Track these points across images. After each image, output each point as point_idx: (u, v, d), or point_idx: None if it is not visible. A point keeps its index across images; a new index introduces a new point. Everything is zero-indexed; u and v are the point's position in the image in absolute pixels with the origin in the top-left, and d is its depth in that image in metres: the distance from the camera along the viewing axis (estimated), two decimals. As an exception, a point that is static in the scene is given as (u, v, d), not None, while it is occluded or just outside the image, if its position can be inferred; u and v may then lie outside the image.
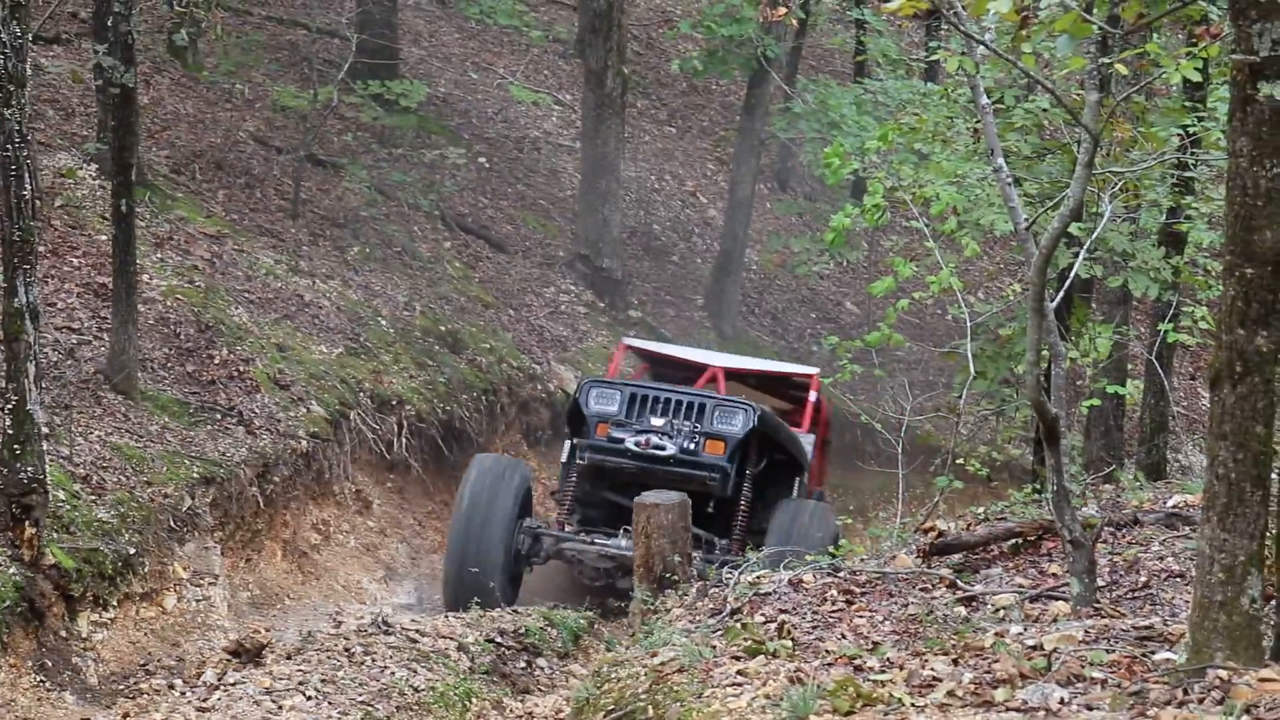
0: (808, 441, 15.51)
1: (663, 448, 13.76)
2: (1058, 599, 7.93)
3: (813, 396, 16.06)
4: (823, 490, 16.82)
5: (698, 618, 8.48)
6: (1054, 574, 8.37)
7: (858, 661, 6.77)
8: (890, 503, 14.27)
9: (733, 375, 16.63)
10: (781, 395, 17.26)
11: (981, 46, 6.86)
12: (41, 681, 10.84)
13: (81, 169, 16.89)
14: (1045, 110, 12.34)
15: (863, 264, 23.84)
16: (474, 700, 10.70)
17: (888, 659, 6.76)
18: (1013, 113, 12.72)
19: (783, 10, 17.46)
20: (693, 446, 13.87)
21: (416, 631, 11.71)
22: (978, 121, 10.44)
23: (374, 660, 11.33)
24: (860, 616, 7.99)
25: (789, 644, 7.24)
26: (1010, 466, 18.71)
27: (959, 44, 9.71)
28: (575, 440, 14.68)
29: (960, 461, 13.20)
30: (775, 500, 14.54)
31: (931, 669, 6.47)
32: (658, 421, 13.99)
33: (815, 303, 24.64)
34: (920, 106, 15.28)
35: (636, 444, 13.77)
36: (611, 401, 14.26)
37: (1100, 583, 7.92)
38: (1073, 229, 9.87)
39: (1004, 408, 15.81)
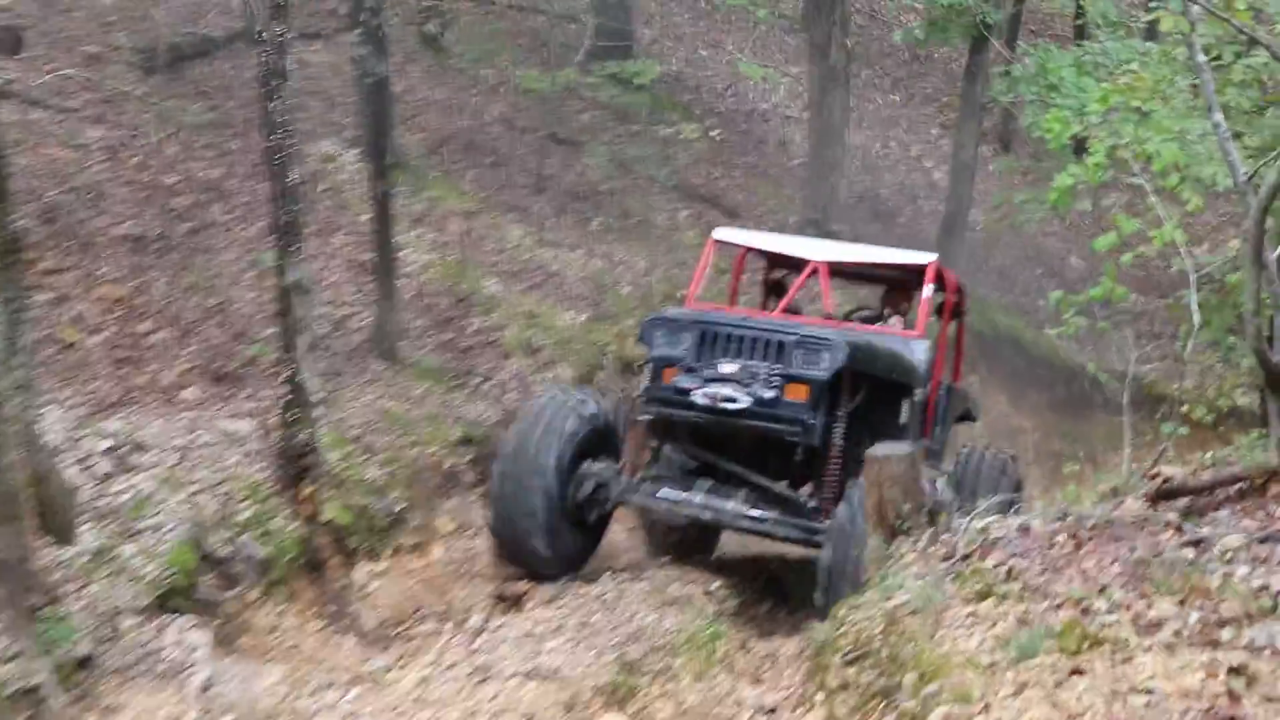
0: (919, 349, 12.68)
1: (734, 400, 11.55)
2: (1284, 540, 7.77)
3: (927, 291, 12.88)
4: (952, 386, 13.89)
5: (930, 563, 8.45)
6: (1283, 517, 8.20)
7: (1085, 604, 6.70)
8: (1119, 450, 14.01)
9: (837, 270, 13.86)
10: (900, 286, 14.18)
11: (1196, 6, 6.73)
12: (325, 626, 11.15)
13: (343, 154, 17.26)
14: (1265, 65, 12.05)
15: (1087, 220, 23.47)
16: (720, 642, 10.77)
17: (1115, 601, 6.68)
18: (1232, 69, 12.42)
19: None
20: (771, 394, 11.55)
21: (665, 578, 11.84)
22: (1196, 79, 10.23)
23: (626, 605, 11.49)
24: (1088, 560, 7.89)
25: (1018, 587, 7.20)
26: (1238, 413, 18.29)
27: (1177, 3, 9.54)
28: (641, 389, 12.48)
29: (1185, 409, 12.92)
30: (883, 430, 12.24)
31: (1158, 610, 6.38)
32: (729, 368, 11.65)
33: (1041, 259, 24.30)
34: (1140, 66, 14.95)
35: (705, 396, 11.60)
36: (679, 342, 11.89)
37: (1328, 524, 7.75)
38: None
39: (1229, 356, 15.42)
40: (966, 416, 14.21)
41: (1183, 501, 8.68)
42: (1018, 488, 12.51)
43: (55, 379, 11.38)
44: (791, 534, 11.58)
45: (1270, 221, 8.20)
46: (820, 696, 7.67)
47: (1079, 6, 23.49)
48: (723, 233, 13.95)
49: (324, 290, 14.46)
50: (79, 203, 13.94)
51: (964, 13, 20.97)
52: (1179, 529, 8.16)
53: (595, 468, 12.06)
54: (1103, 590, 7.00)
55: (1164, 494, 8.80)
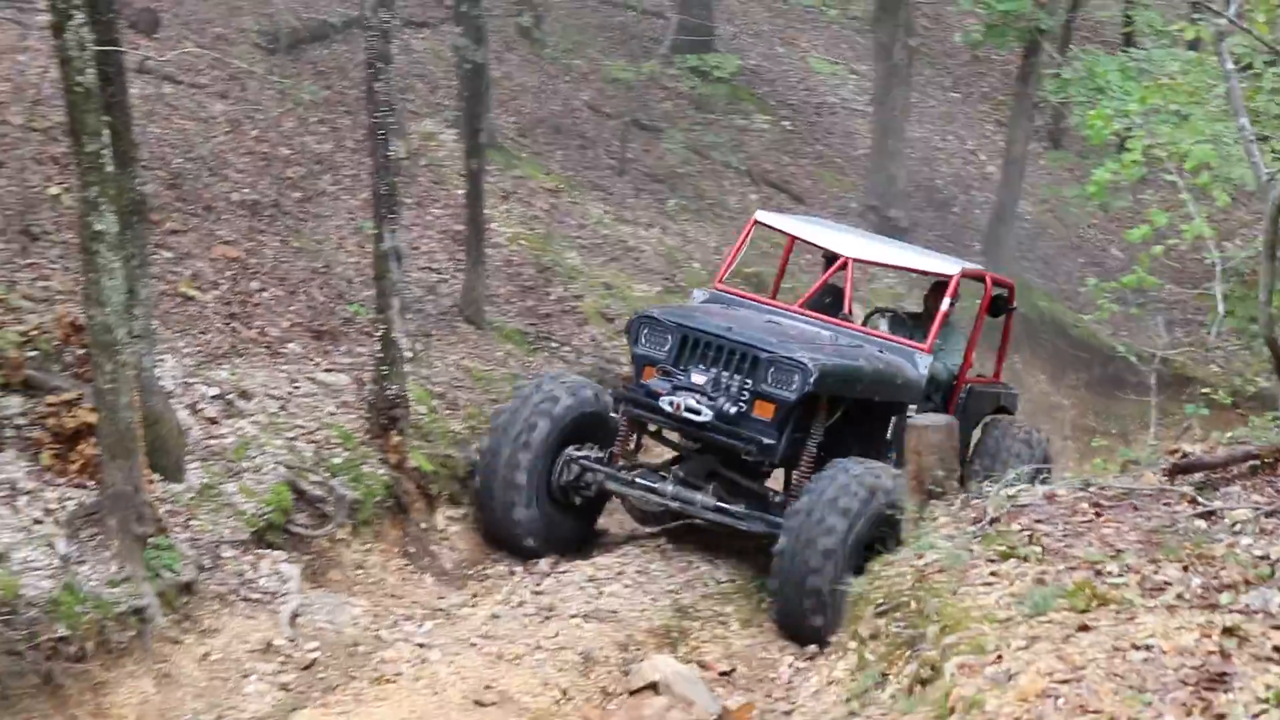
0: (921, 364, 11.64)
1: (697, 411, 10.74)
2: (1290, 515, 7.69)
3: (944, 305, 11.95)
4: (974, 388, 12.74)
5: (960, 525, 8.41)
6: (1290, 493, 8.11)
7: (1099, 566, 6.65)
8: (1148, 428, 13.87)
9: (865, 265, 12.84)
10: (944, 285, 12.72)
11: (1223, 19, 6.64)
12: (406, 565, 11.21)
13: (443, 133, 17.32)
14: (1293, 75, 11.87)
15: (1128, 214, 23.22)
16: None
17: (1126, 565, 6.63)
18: (1263, 77, 12.24)
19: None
20: (736, 409, 10.77)
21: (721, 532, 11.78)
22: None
23: (683, 555, 11.51)
24: (1107, 528, 7.82)
25: (1039, 549, 7.14)
26: (1262, 396, 18.07)
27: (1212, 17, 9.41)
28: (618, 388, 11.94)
29: (1206, 391, 12.79)
30: (868, 441, 11.61)
31: (1164, 575, 6.34)
32: (699, 378, 10.88)
33: (1083, 249, 24.07)
34: (1179, 72, 14.78)
35: (670, 404, 10.83)
36: (661, 344, 11.15)
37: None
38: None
39: (1251, 344, 15.23)
40: (1001, 410, 13.37)
41: (1199, 476, 8.59)
42: (1045, 460, 11.97)
43: (173, 330, 11.48)
44: (755, 527, 10.93)
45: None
46: (853, 645, 7.65)
47: (1127, 16, 23.20)
48: (765, 215, 13.18)
49: (419, 257, 14.54)
50: (202, 170, 14.05)
51: (1020, 18, 20.77)
52: (1193, 501, 8.09)
53: (581, 452, 11.36)
54: (1117, 555, 6.95)
55: (1182, 468, 8.72)
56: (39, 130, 12.50)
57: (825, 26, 26.40)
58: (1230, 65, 7.54)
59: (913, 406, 11.51)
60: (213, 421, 10.69)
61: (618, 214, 17.98)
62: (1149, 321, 17.16)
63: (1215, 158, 12.10)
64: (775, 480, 11.87)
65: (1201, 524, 7.62)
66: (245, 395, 11.08)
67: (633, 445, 11.72)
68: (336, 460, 11.09)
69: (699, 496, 11.09)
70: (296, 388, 11.61)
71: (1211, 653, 5.00)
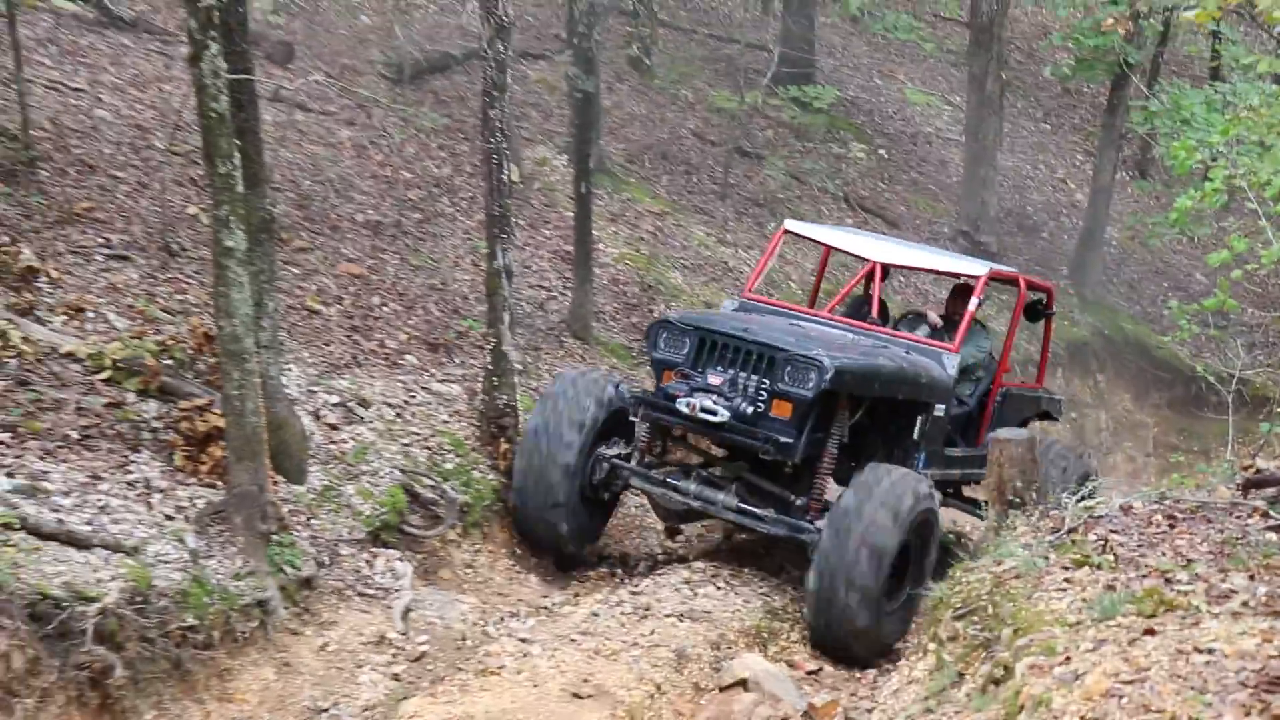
0: (949, 363, 11.20)
1: (714, 412, 10.26)
2: (1359, 529, 7.54)
3: (973, 304, 11.56)
4: (1010, 390, 12.49)
5: (1039, 535, 8.33)
6: (1357, 508, 7.95)
7: (1169, 575, 6.56)
8: (1226, 446, 13.64)
9: (894, 270, 12.43)
10: (960, 289, 12.51)
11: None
12: (512, 565, 11.26)
13: (555, 158, 17.42)
14: (1371, 104, 11.61)
15: (1213, 241, 22.91)
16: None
17: (1196, 574, 6.54)
18: (1338, 107, 11.99)
19: (1110, 21, 16.91)
20: (753, 409, 10.35)
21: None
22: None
23: (775, 559, 11.47)
24: (1180, 539, 7.71)
25: (1112, 558, 7.06)
26: (1347, 418, 17.75)
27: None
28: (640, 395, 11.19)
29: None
30: (894, 442, 11.20)
31: (1231, 583, 6.23)
32: (716, 379, 10.45)
33: (1168, 274, 23.79)
34: (1263, 105, 14.53)
35: (687, 405, 10.37)
36: (679, 347, 10.70)
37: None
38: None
39: (1328, 365, 14.92)
40: (1045, 416, 13.09)
41: (1271, 491, 8.46)
42: (1085, 478, 11.31)
43: (299, 341, 11.62)
44: (776, 529, 10.58)
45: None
46: (932, 646, 7.59)
47: (1214, 50, 22.90)
48: (794, 225, 12.70)
49: (529, 275, 14.63)
50: (329, 192, 14.23)
51: (1109, 53, 20.59)
52: (1265, 515, 7.97)
53: (610, 451, 10.96)
54: (1187, 564, 6.86)
55: (1255, 483, 8.58)
56: (179, 154, 12.72)
57: (922, 60, 26.30)
58: (1304, 95, 7.39)
59: (940, 407, 11.13)
60: (333, 427, 10.80)
61: (719, 236, 17.99)
62: (1229, 343, 16.88)
63: (1294, 186, 11.86)
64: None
65: (1272, 536, 7.49)
66: (364, 403, 11.20)
67: (658, 449, 11.33)
68: (448, 465, 11.17)
69: (721, 496, 10.72)
70: (412, 397, 11.72)
71: (1273, 657, 4.91)
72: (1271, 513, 8.01)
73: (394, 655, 9.08)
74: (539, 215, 16.15)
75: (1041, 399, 12.93)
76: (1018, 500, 9.52)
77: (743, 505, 10.68)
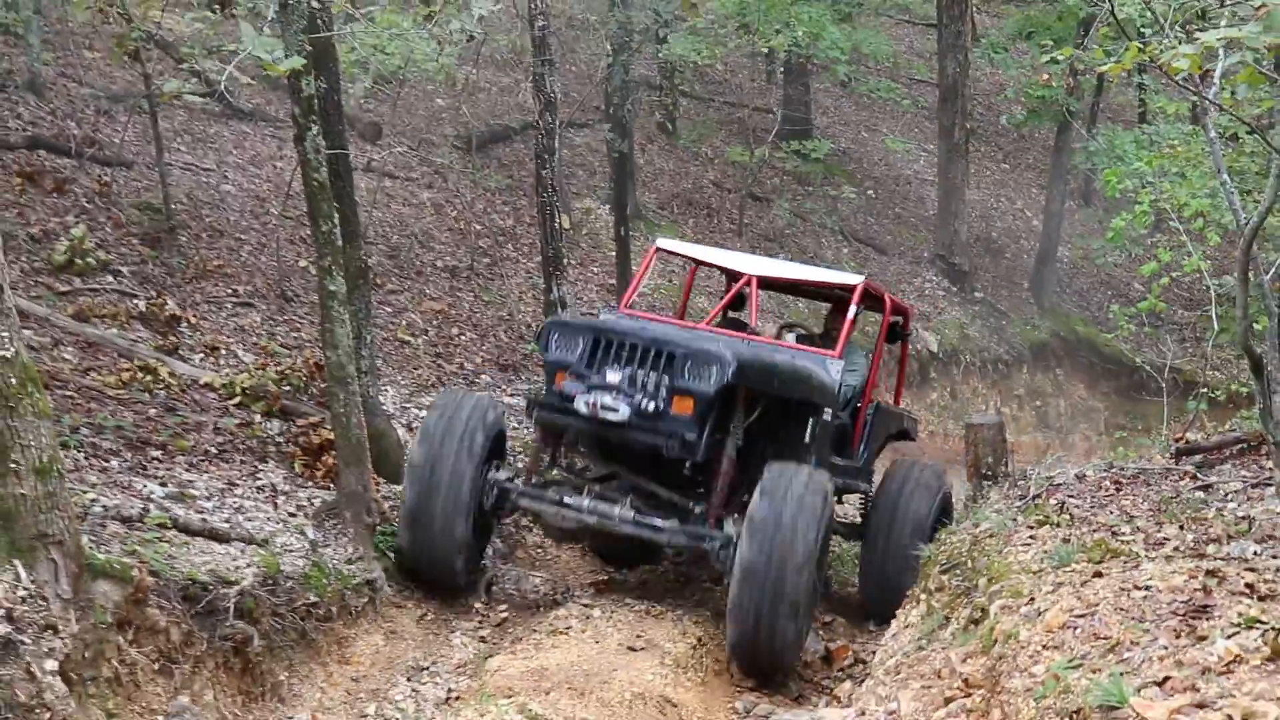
0: (833, 369, 9.13)
1: (614, 410, 8.41)
2: (1271, 486, 7.53)
3: (851, 312, 9.45)
4: (882, 405, 10.46)
5: (1008, 501, 8.35)
6: (1270, 468, 7.94)
7: (1114, 529, 6.56)
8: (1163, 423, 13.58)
9: (768, 284, 10.46)
10: (843, 306, 10.21)
11: (1207, 100, 6.54)
12: (578, 546, 11.26)
13: (598, 208, 17.50)
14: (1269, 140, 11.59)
15: (1142, 255, 22.83)
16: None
17: (1136, 527, 6.54)
18: (1243, 143, 12.00)
19: (1045, 77, 16.91)
20: (654, 406, 8.43)
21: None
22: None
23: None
24: (1125, 500, 7.72)
25: (1068, 517, 7.07)
26: (1250, 395, 17.53)
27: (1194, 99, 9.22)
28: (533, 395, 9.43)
29: (1205, 391, 12.49)
30: (785, 447, 9.06)
31: (1165, 533, 6.24)
32: (614, 377, 8.48)
33: (1111, 284, 23.65)
34: (1181, 142, 14.52)
35: (586, 404, 8.47)
36: (572, 348, 8.65)
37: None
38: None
39: (1239, 354, 14.79)
40: (903, 435, 10.90)
41: (1198, 457, 8.46)
42: (946, 501, 9.99)
43: (393, 366, 11.71)
44: (676, 540, 8.72)
45: (1259, 252, 7.95)
46: (923, 596, 7.60)
47: (1141, 99, 22.84)
48: (665, 243, 10.47)
49: (580, 304, 14.66)
50: (414, 243, 14.35)
51: (1054, 104, 20.56)
52: (1194, 477, 7.96)
53: (500, 475, 8.96)
54: (1129, 519, 6.86)
55: (1185, 452, 8.59)
56: (291, 218, 12.87)
57: (900, 115, 26.27)
58: (1214, 134, 7.40)
59: (828, 411, 9.17)
60: (424, 436, 10.83)
61: (737, 268, 17.99)
62: (1162, 338, 16.80)
63: (1208, 207, 11.88)
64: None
65: (1200, 494, 7.49)
66: (448, 416, 11.22)
67: (547, 458, 9.32)
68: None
69: (617, 510, 8.77)
70: (488, 409, 11.75)
71: (1197, 590, 4.93)
72: (1199, 475, 8.02)
73: (480, 622, 9.10)
74: (587, 255, 16.24)
75: (904, 416, 11.06)
76: (989, 474, 9.56)
77: (639, 518, 8.77)
